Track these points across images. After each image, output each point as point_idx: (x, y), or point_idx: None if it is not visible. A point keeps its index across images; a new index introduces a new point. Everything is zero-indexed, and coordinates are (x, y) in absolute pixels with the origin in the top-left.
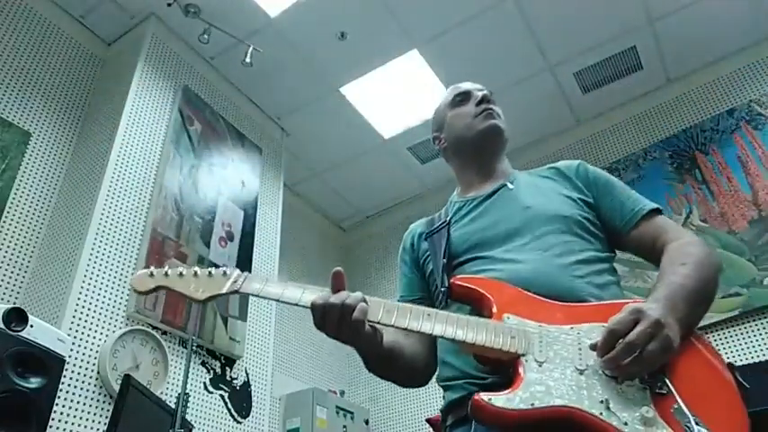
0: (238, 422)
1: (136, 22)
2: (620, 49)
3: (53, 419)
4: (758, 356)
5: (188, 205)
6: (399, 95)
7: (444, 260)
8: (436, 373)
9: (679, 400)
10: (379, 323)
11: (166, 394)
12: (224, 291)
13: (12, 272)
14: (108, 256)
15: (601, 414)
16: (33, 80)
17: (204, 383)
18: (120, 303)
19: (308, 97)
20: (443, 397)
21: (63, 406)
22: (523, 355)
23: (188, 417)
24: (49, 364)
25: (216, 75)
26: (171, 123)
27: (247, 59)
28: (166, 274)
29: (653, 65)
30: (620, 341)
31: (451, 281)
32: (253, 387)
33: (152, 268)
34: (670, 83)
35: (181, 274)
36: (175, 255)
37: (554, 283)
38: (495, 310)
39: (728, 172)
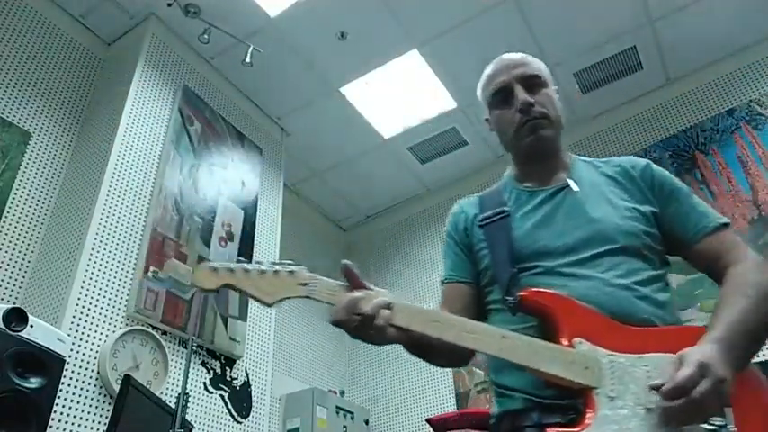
0: (238, 422)
1: (136, 22)
2: (620, 49)
3: (53, 419)
4: (758, 356)
5: (188, 205)
6: (399, 95)
7: (513, 269)
8: (486, 372)
9: None
10: (425, 334)
11: (166, 394)
12: (295, 294)
13: (12, 272)
14: (108, 256)
15: None
16: (33, 80)
17: (204, 383)
18: (120, 303)
19: (308, 97)
20: (497, 401)
21: (63, 406)
22: (596, 387)
23: (188, 417)
24: (49, 364)
25: (216, 75)
26: (171, 123)
27: (247, 59)
28: (230, 270)
29: (653, 65)
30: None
31: (521, 294)
32: (253, 387)
33: (214, 263)
34: (670, 83)
35: (246, 270)
36: (175, 255)
37: (619, 303)
38: (565, 334)
39: (728, 172)
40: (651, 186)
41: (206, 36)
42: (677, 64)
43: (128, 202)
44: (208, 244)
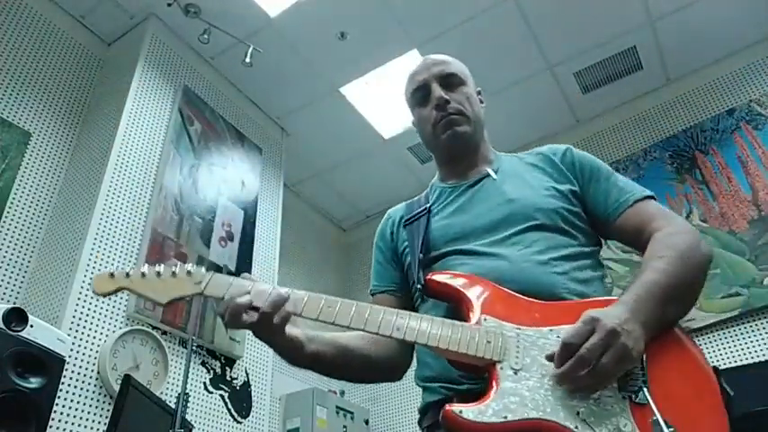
0: (238, 422)
1: (136, 22)
2: (620, 49)
3: (53, 419)
4: (758, 356)
5: (188, 205)
6: (399, 95)
7: (421, 254)
8: (415, 371)
9: (656, 412)
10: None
11: (166, 394)
12: (187, 293)
13: (12, 272)
14: (108, 256)
15: (576, 428)
16: (33, 80)
17: (204, 383)
18: (120, 303)
19: (308, 97)
20: (422, 396)
21: (63, 406)
22: (499, 361)
23: (188, 417)
24: (49, 364)
25: (216, 75)
26: (171, 123)
27: (247, 59)
28: (127, 275)
29: (653, 65)
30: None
31: (427, 277)
32: (253, 387)
33: (114, 269)
34: (670, 83)
35: (143, 274)
36: (175, 255)
37: (534, 279)
38: (472, 310)
39: (728, 172)
40: (572, 168)
41: (206, 36)
42: (677, 64)
43: (128, 201)
44: (208, 244)
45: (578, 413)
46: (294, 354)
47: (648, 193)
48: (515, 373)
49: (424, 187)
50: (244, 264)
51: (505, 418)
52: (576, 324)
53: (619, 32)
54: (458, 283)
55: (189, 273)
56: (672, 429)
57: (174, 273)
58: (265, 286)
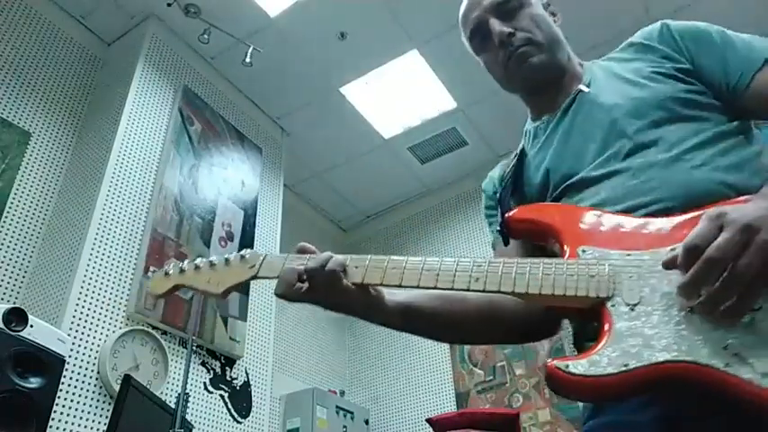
0: (238, 422)
1: (136, 22)
2: None
3: (53, 419)
4: None
5: (188, 205)
6: (399, 95)
7: (506, 204)
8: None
9: None
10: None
11: (166, 394)
12: (243, 279)
13: (12, 272)
14: (108, 256)
15: (727, 365)
16: (33, 80)
17: (204, 383)
18: (120, 303)
19: (308, 97)
20: None
21: (63, 406)
22: (608, 297)
23: (188, 417)
24: (49, 364)
25: (216, 75)
26: (171, 123)
27: (247, 59)
28: (182, 270)
29: None
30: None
31: (506, 216)
32: (253, 387)
33: (167, 267)
34: None
35: (197, 267)
36: (175, 255)
37: (664, 184)
38: (566, 243)
39: None
40: (674, 44)
41: (206, 36)
42: None
43: (128, 201)
44: (208, 244)
45: (726, 347)
46: (373, 311)
47: None
48: (632, 309)
49: (425, 187)
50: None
51: (626, 366)
52: (700, 224)
53: (618, 32)
54: (541, 214)
55: (243, 257)
56: None
57: (227, 260)
58: (323, 255)
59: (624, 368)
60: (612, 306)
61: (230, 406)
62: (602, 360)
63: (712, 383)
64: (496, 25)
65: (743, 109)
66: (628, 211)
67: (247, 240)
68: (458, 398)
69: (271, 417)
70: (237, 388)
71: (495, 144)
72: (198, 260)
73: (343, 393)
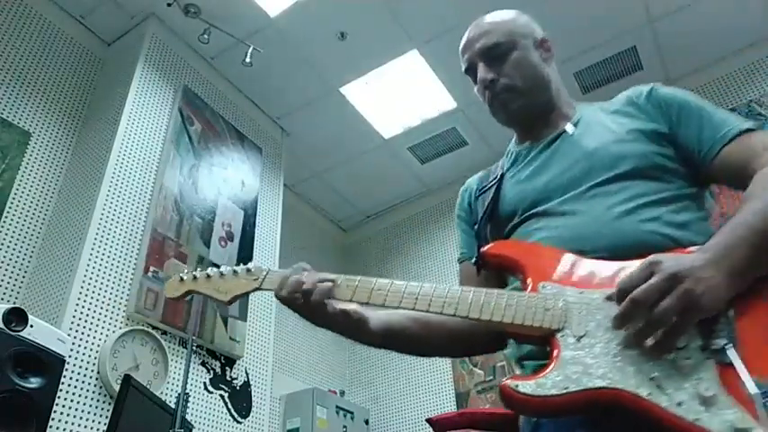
0: (238, 422)
1: (136, 22)
2: (620, 49)
3: (53, 419)
4: None
5: (188, 205)
6: (399, 95)
7: (483, 223)
8: (508, 349)
9: (742, 372)
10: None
11: (166, 394)
12: (247, 290)
13: (12, 272)
14: (108, 256)
15: (649, 395)
16: (33, 80)
17: (204, 383)
18: (120, 303)
19: (308, 97)
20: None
21: (63, 406)
22: (558, 330)
23: (188, 417)
24: (49, 364)
25: (216, 75)
26: (171, 123)
27: (247, 59)
28: (195, 277)
29: (653, 65)
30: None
31: (482, 250)
32: (253, 387)
33: (182, 273)
34: (670, 83)
35: (208, 276)
36: (175, 255)
37: (617, 232)
38: (529, 278)
39: None
40: (658, 108)
41: (206, 36)
42: (677, 64)
43: (128, 202)
44: (208, 244)
45: (652, 378)
46: (358, 331)
47: (749, 125)
48: (578, 341)
49: (425, 187)
50: (243, 264)
51: (566, 389)
52: (632, 269)
53: (619, 32)
54: (511, 251)
55: (248, 270)
56: (764, 390)
57: (235, 272)
58: (318, 275)
59: (564, 391)
60: (562, 337)
61: (230, 406)
62: (548, 383)
63: (638, 409)
64: (481, 71)
65: (708, 175)
66: (582, 252)
67: (247, 240)
68: (458, 398)
69: (271, 417)
70: (237, 388)
71: (495, 144)
72: (209, 270)
73: (343, 393)
